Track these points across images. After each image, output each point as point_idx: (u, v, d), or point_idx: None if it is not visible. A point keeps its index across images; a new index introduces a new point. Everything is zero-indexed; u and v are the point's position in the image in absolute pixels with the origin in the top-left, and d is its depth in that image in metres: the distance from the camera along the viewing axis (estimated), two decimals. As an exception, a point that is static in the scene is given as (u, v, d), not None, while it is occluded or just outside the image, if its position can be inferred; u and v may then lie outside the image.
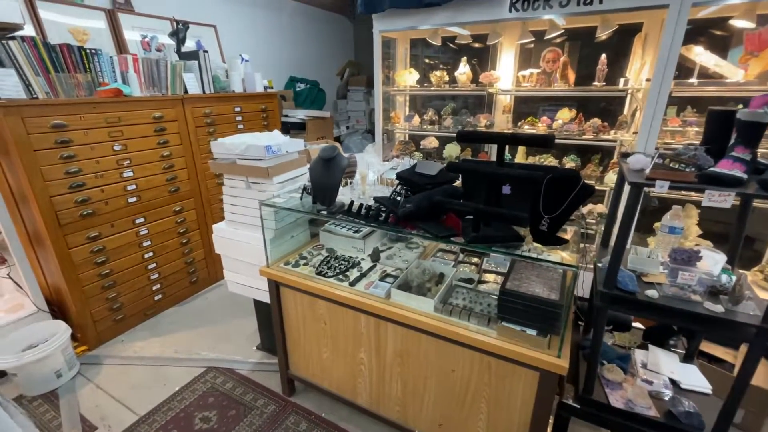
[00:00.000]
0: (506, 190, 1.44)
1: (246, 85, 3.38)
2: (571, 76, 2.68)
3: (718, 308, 1.17)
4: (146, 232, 2.72)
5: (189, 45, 3.26)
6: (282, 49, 4.59)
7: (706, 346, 2.04)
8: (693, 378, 1.47)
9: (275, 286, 1.91)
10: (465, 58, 3.01)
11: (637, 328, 1.81)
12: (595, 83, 2.58)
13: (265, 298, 2.06)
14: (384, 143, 3.45)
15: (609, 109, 2.82)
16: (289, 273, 1.85)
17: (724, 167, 1.10)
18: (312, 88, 4.60)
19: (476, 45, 3.11)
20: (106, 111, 2.36)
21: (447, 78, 3.13)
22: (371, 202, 1.70)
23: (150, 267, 2.79)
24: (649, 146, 2.27)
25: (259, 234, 1.90)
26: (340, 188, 1.93)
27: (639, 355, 1.60)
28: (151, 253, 2.78)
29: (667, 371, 1.49)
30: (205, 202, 3.12)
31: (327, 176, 1.63)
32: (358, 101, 5.00)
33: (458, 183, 1.66)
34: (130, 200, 2.58)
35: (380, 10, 2.79)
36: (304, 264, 1.91)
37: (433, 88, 3.17)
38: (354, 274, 1.81)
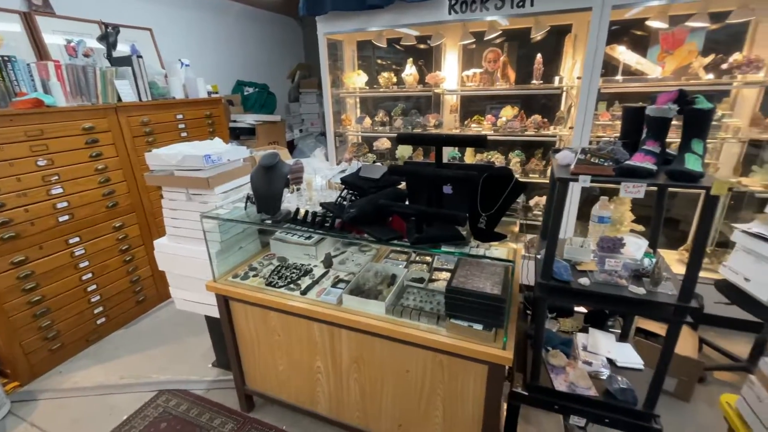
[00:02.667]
0: (448, 190, 1.47)
1: (188, 90, 3.23)
2: (512, 75, 2.79)
3: (641, 290, 1.26)
4: (83, 252, 2.52)
5: (122, 50, 3.06)
6: (227, 52, 4.43)
7: (644, 323, 2.20)
8: (627, 355, 1.58)
9: (224, 301, 1.84)
10: (411, 59, 3.05)
11: (579, 313, 1.92)
12: (534, 81, 2.71)
13: (216, 313, 1.98)
14: (337, 146, 3.42)
15: (548, 106, 2.97)
16: (238, 286, 1.79)
17: (637, 160, 1.19)
18: (261, 91, 4.48)
19: (421, 46, 3.16)
20: (26, 123, 2.16)
21: (395, 79, 3.16)
22: (319, 209, 1.68)
23: (89, 289, 2.60)
24: (584, 140, 2.42)
25: (204, 247, 1.82)
26: (288, 195, 1.90)
27: (581, 338, 1.69)
28: (89, 275, 2.58)
29: (604, 351, 1.59)
30: (148, 216, 2.95)
31: (269, 184, 1.58)
32: (311, 104, 4.92)
33: (404, 185, 1.68)
34: (61, 219, 2.39)
35: (323, 12, 2.76)
36: (254, 275, 1.86)
37: (381, 90, 3.18)
38: (306, 282, 1.78)
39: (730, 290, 1.92)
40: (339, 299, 1.62)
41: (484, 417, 1.47)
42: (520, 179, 2.79)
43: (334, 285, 1.74)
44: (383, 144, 3.31)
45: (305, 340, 1.73)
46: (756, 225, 1.85)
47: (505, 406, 1.64)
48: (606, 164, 1.20)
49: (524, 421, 1.95)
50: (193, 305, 2.16)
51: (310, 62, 5.30)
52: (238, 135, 3.96)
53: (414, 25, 2.72)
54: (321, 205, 1.64)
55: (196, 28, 4.05)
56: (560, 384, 1.48)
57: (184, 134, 3.16)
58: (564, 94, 2.79)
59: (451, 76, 3.07)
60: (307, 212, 1.59)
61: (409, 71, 3.03)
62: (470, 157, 3.05)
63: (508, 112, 2.86)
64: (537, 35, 2.63)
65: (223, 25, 4.36)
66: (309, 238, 1.99)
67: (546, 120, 2.73)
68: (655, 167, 1.18)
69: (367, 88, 3.29)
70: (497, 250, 1.61)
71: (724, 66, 2.23)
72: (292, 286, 1.75)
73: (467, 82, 2.91)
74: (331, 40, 3.12)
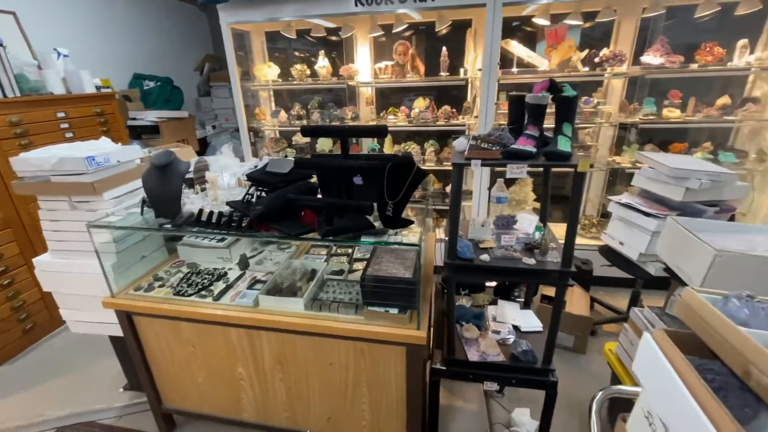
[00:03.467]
0: (358, 181, 1.49)
1: (69, 85, 2.83)
2: (421, 67, 2.89)
3: (532, 261, 1.41)
4: (-61, 280, 2.11)
5: (-25, 37, 2.57)
6: (119, 42, 3.96)
7: (548, 291, 2.46)
8: (529, 320, 1.76)
9: (126, 317, 1.67)
10: (323, 51, 3.01)
11: (490, 287, 2.08)
12: (441, 74, 2.84)
13: (121, 331, 1.79)
14: (254, 142, 3.27)
15: (457, 97, 3.14)
16: (141, 299, 1.63)
17: (520, 144, 1.31)
18: (164, 85, 4.09)
19: (333, 38, 3.13)
20: None
21: (308, 72, 3.09)
22: (226, 208, 1.60)
23: (-46, 324, 2.18)
24: (487, 127, 2.60)
25: (97, 261, 1.62)
26: (192, 196, 1.77)
27: (491, 310, 1.84)
28: (-48, 306, 2.17)
29: (510, 319, 1.75)
30: (30, 231, 2.55)
31: (164, 185, 1.46)
32: (224, 98, 4.62)
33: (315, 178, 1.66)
34: None
35: (224, 0, 2.60)
36: (160, 286, 1.71)
37: (295, 83, 3.10)
38: (219, 287, 1.68)
39: (609, 254, 2.23)
40: (255, 301, 1.56)
41: (407, 397, 1.53)
42: (435, 168, 2.93)
43: (250, 287, 1.67)
44: (302, 138, 3.24)
45: (223, 348, 1.64)
46: (626, 196, 2.17)
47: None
48: (494, 149, 1.31)
49: (450, 394, 2.08)
50: (92, 326, 1.93)
51: (219, 54, 4.96)
52: (139, 134, 3.58)
53: (321, 17, 2.68)
54: (228, 204, 1.56)
55: (76, 14, 3.55)
56: (473, 355, 1.59)
57: (69, 134, 2.77)
58: (469, 85, 2.97)
59: (365, 68, 3.09)
60: (211, 213, 1.50)
61: (322, 63, 2.99)
62: (389, 148, 3.11)
63: (420, 103, 2.97)
64: (441, 29, 2.75)
65: (111, 11, 3.88)
66: (222, 240, 1.88)
67: (455, 110, 2.89)
68: (534, 149, 1.31)
69: (280, 80, 3.18)
70: (414, 236, 1.68)
71: (597, 59, 2.55)
72: (203, 292, 1.64)
73: (380, 74, 2.96)
74: (236, 30, 2.95)
